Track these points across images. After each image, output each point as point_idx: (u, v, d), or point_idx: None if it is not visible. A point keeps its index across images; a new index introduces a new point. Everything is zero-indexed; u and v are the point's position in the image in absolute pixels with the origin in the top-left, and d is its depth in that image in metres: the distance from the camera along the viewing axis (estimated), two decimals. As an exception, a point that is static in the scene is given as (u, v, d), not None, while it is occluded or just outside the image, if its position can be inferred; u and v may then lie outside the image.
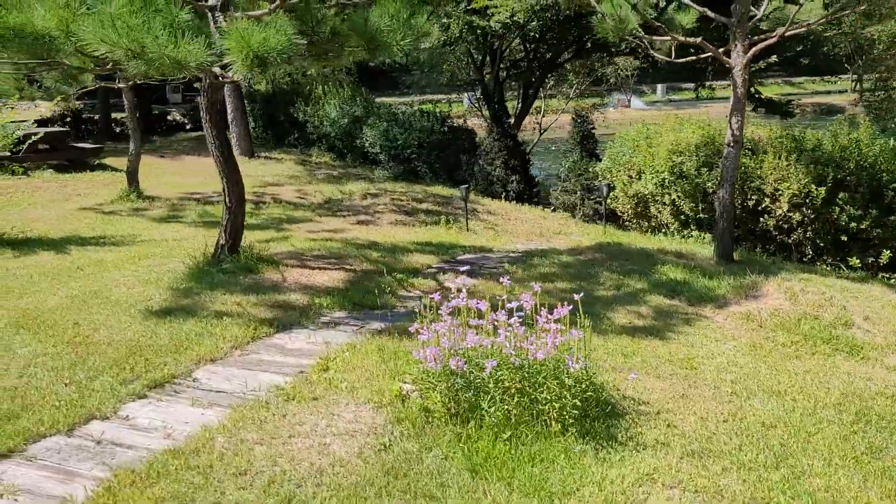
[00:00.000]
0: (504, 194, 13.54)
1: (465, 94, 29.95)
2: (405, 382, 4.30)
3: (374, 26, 5.27)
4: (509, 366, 3.76)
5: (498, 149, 13.75)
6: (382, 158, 15.35)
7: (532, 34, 14.56)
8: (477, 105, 20.00)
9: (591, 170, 12.20)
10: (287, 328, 5.53)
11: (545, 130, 22.88)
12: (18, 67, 5.53)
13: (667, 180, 9.58)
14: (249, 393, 4.36)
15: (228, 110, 16.17)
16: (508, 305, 4.02)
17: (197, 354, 4.90)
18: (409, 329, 4.30)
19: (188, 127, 23.76)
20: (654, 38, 7.84)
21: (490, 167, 13.84)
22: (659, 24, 8.04)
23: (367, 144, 15.71)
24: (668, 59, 8.14)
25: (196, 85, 24.94)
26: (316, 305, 6.05)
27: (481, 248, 9.04)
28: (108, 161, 15.29)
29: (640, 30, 7.77)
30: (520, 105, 17.61)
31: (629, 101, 46.64)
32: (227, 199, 6.79)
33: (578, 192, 12.51)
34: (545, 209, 12.87)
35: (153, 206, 10.99)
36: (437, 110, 17.71)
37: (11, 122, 10.88)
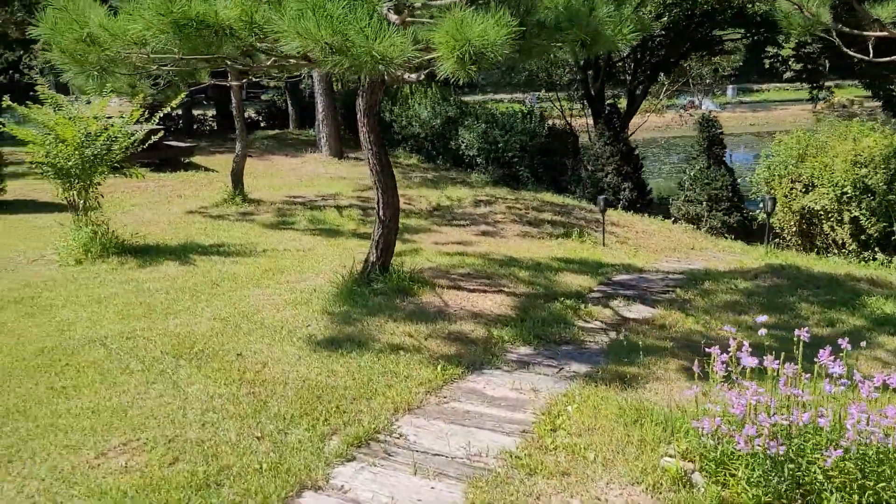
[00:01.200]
0: (616, 203, 12.65)
1: (527, 95, 28.99)
2: (670, 456, 3.51)
3: (597, 17, 4.49)
4: (851, 456, 2.93)
5: (609, 154, 12.87)
6: (480, 162, 14.59)
7: (656, 31, 13.62)
8: (563, 106, 19.09)
9: (719, 179, 11.25)
10: (476, 368, 4.79)
11: (632, 133, 21.86)
12: (182, 63, 4.90)
13: (847, 195, 8.58)
14: (474, 459, 3.62)
15: (318, 109, 15.65)
16: (832, 369, 3.17)
17: (391, 402, 4.20)
18: (686, 393, 3.50)
19: (262, 125, 23.42)
20: (856, 32, 6.87)
21: (600, 173, 12.97)
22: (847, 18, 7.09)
23: (462, 147, 14.98)
24: (864, 58, 7.16)
25: (274, 82, 24.63)
26: (496, 339, 5.31)
27: (629, 266, 8.20)
28: (195, 159, 14.87)
29: (833, 24, 6.83)
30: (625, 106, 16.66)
31: (700, 102, 45.04)
32: (382, 212, 6.10)
33: (704, 203, 11.55)
34: (664, 220, 11.94)
35: (259, 211, 10.43)
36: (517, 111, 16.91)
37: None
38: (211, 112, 24.73)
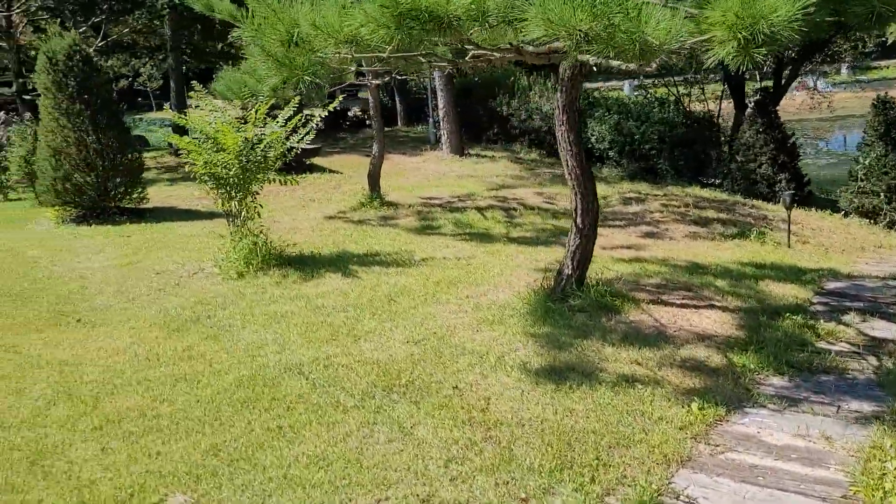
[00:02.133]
0: (772, 196, 11.55)
1: (626, 82, 27.54)
2: None
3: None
4: None
5: (763, 142, 11.75)
6: (612, 155, 13.72)
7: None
8: (695, 92, 17.87)
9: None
10: (735, 406, 4.07)
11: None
12: (380, 61, 4.39)
13: None
14: (798, 534, 2.92)
15: (440, 105, 15.16)
16: None
17: (658, 452, 3.55)
18: None
19: (368, 123, 23.21)
20: None
21: (753, 164, 11.87)
22: None
23: (592, 140, 14.13)
24: None
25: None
26: (739, 368, 4.57)
27: (831, 271, 7.25)
28: (314, 161, 14.65)
29: None
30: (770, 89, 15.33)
31: (815, 82, 42.11)
32: (580, 220, 5.44)
33: (882, 195, 10.33)
34: (833, 214, 10.77)
35: (399, 214, 9.99)
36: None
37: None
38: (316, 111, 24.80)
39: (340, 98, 7.44)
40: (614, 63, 4.66)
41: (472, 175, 13.25)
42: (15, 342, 5.37)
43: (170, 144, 18.42)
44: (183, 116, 7.11)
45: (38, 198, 11.77)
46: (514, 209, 10.35)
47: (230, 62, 20.43)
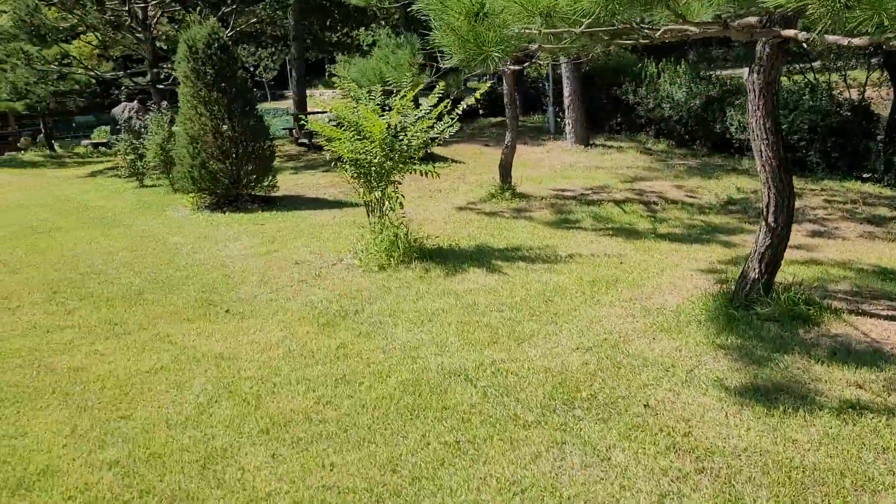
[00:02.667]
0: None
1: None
2: None
3: None
4: None
5: (937, 133, 10.48)
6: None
7: None
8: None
9: None
10: None
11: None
12: (569, 37, 3.93)
13: None
14: None
15: (565, 93, 14.54)
16: None
17: (920, 501, 2.93)
18: None
19: (481, 112, 22.81)
20: None
21: (924, 157, 10.61)
22: None
23: (731, 130, 13.13)
24: None
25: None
26: None
27: None
28: (434, 150, 14.37)
29: None
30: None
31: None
32: (772, 217, 4.80)
33: None
34: None
35: (532, 206, 9.52)
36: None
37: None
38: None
39: (487, 85, 7.00)
40: (831, 39, 4.02)
41: (600, 166, 12.60)
42: (168, 331, 5.30)
43: (290, 132, 18.72)
44: (327, 102, 6.89)
45: (174, 185, 12.09)
46: (655, 203, 9.66)
47: (345, 52, 20.60)
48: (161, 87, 15.23)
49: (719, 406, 3.77)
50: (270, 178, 10.42)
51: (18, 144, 19.57)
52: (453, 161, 13.78)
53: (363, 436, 3.60)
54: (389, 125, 6.70)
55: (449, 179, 11.78)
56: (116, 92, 22.88)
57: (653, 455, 3.32)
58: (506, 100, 10.18)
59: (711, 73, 16.30)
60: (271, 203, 10.38)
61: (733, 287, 5.20)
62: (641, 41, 4.20)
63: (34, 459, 3.52)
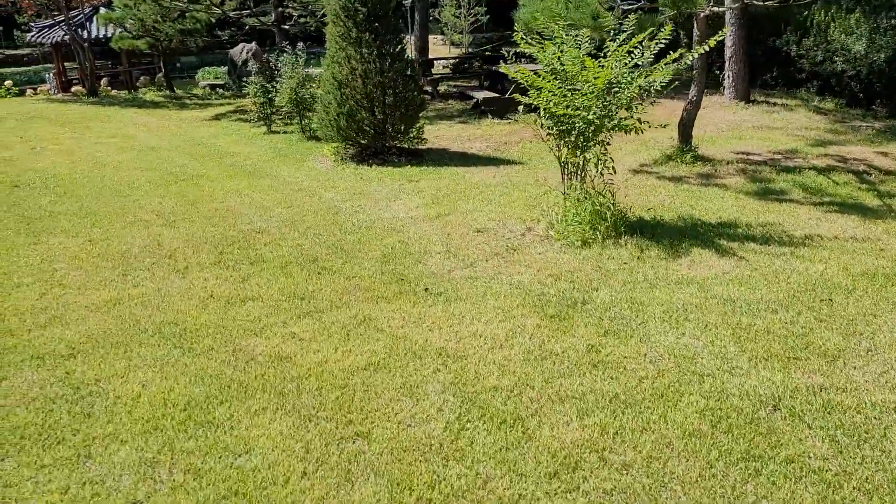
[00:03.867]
0: None
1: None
2: None
3: None
4: None
5: None
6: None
7: None
8: None
9: None
10: None
11: None
12: None
13: None
14: None
15: (727, 43, 12.93)
16: None
17: None
18: None
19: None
20: None
21: None
22: None
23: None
24: None
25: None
26: None
27: None
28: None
29: None
30: None
31: None
32: None
33: None
34: None
35: (719, 172, 8.29)
36: None
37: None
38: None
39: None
40: None
41: (772, 126, 11.13)
42: (367, 313, 4.53)
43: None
44: (541, 48, 5.85)
45: (306, 132, 11.41)
46: (866, 172, 8.25)
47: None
48: (285, 27, 14.48)
49: None
50: (417, 129, 9.53)
51: (137, 84, 19.43)
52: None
53: (698, 499, 2.68)
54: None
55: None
56: (220, 33, 22.47)
57: None
58: (694, 48, 8.84)
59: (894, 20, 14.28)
60: (418, 156, 9.52)
61: None
62: None
63: (273, 497, 2.79)
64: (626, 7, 8.97)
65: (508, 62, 11.26)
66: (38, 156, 10.45)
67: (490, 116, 12.51)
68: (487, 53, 18.82)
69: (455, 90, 15.91)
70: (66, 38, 18.71)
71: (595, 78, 5.43)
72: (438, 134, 11.45)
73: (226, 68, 28.17)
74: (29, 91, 19.52)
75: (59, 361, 3.95)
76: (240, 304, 4.74)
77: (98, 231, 6.48)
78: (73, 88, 18.40)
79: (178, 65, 26.74)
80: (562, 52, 5.71)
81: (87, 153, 10.52)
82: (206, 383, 3.65)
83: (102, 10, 17.46)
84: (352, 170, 8.92)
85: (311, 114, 11.64)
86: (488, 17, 22.31)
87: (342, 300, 4.76)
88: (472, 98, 14.08)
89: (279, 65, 11.94)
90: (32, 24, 23.36)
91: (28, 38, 22.73)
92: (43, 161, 9.99)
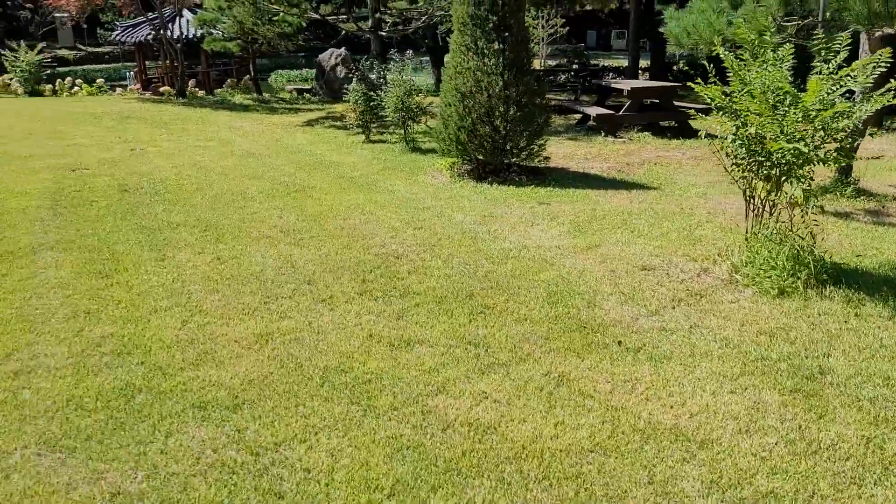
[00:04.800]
0: None
1: None
2: None
3: None
4: None
5: None
6: None
7: None
8: None
9: None
10: None
11: None
12: None
13: None
14: None
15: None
16: None
17: None
18: None
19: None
20: None
21: None
22: None
23: None
24: None
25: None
26: None
27: None
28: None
29: None
30: None
31: None
32: None
33: None
34: None
35: (887, 209, 7.40)
36: None
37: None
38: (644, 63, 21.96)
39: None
40: None
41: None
42: (561, 370, 3.87)
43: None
44: (742, 66, 5.13)
45: (408, 142, 10.90)
46: None
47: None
48: (382, 33, 14.03)
49: None
50: (539, 146, 8.87)
51: (225, 85, 19.30)
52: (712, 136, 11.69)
53: None
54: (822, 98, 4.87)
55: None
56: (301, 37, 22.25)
57: None
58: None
59: None
60: (539, 175, 8.87)
61: None
62: None
63: None
64: (782, 24, 8.15)
65: (616, 78, 10.46)
66: (140, 158, 10.15)
67: (603, 134, 11.78)
68: (593, 65, 18.07)
69: (553, 103, 15.22)
70: (150, 37, 18.68)
71: (820, 103, 4.66)
72: (553, 151, 10.76)
73: (298, 72, 28.02)
74: (118, 89, 19.58)
75: (224, 414, 3.39)
76: (406, 349, 4.13)
77: (224, 248, 5.99)
78: (162, 88, 18.33)
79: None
80: (767, 70, 4.97)
81: (188, 157, 10.17)
82: (409, 460, 3.03)
83: (191, 13, 17.35)
84: (471, 188, 8.32)
85: (414, 123, 11.13)
86: (567, 28, 21.57)
87: (523, 350, 4.11)
88: (576, 112, 13.38)
89: (381, 72, 11.47)
90: (117, 23, 23.52)
91: (112, 36, 22.90)
92: (146, 164, 9.66)
